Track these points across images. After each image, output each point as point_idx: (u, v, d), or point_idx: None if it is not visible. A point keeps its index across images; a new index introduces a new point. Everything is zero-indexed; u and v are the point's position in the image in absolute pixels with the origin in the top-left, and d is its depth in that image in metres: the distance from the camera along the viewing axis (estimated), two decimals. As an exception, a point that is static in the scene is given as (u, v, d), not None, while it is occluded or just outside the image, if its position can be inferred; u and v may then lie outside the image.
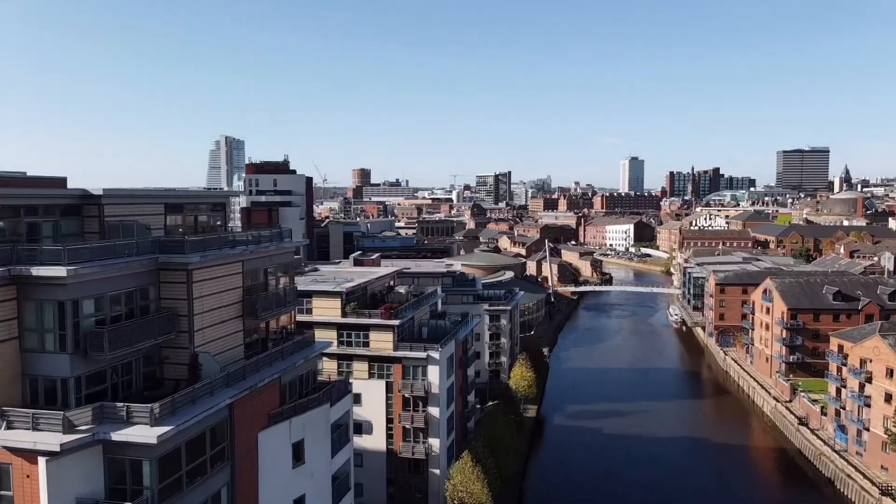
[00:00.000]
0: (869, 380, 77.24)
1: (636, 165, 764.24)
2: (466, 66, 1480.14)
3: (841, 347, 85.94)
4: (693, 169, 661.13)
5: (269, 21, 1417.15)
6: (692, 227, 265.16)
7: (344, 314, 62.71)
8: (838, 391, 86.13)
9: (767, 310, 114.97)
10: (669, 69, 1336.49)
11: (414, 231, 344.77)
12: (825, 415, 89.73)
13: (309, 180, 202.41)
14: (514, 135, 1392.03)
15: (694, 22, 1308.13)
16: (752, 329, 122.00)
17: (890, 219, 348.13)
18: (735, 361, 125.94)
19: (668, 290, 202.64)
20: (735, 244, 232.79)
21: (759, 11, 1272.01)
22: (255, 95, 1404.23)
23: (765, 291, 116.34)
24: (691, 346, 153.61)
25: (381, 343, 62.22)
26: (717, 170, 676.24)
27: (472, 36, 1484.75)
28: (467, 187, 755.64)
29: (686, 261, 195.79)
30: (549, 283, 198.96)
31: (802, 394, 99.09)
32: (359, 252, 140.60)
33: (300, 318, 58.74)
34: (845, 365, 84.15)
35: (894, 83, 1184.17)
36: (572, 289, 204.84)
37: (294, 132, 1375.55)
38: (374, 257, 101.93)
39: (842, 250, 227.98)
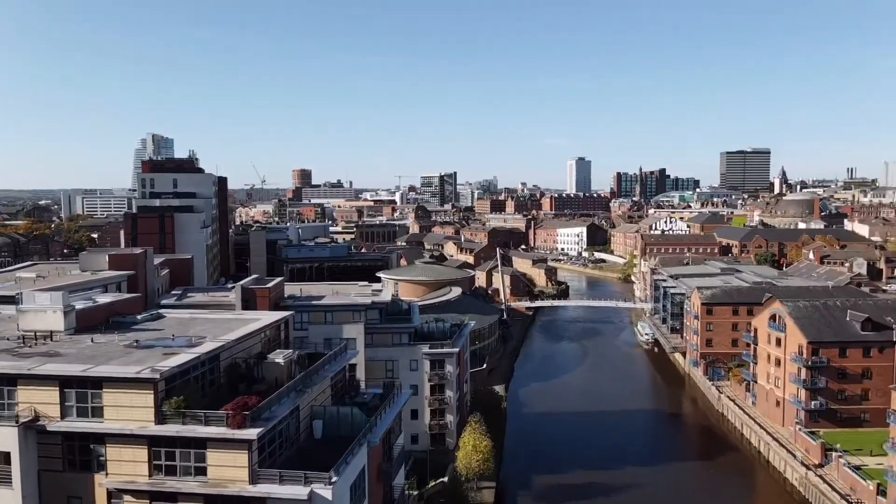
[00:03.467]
0: (973, 464, 53.99)
1: (583, 166, 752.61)
2: (411, 66, 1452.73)
3: (911, 407, 62.81)
4: (641, 169, 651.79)
5: (209, 17, 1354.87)
6: (653, 232, 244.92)
7: (161, 418, 34.50)
8: (906, 467, 63.03)
9: (778, 341, 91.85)
10: (613, 71, 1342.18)
11: (352, 236, 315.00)
12: (884, 495, 66.39)
13: (222, 181, 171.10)
14: (460, 135, 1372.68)
15: (635, 26, 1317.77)
16: (755, 363, 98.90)
17: (846, 220, 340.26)
18: (733, 401, 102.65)
19: (634, 305, 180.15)
20: (701, 250, 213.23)
21: (698, 17, 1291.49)
22: (191, 93, 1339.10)
23: (773, 318, 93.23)
24: (669, 374, 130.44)
25: (228, 471, 34.20)
26: (663, 170, 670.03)
27: (415, 36, 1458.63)
28: (412, 188, 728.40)
29: (654, 271, 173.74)
30: (502, 298, 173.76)
31: (839, 458, 75.87)
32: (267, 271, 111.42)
33: (79, 426, 34.54)
34: (920, 433, 61.10)
35: (826, 89, 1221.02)
36: (527, 304, 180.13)
37: (234, 133, 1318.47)
38: (272, 283, 73.78)
39: (811, 255, 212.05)
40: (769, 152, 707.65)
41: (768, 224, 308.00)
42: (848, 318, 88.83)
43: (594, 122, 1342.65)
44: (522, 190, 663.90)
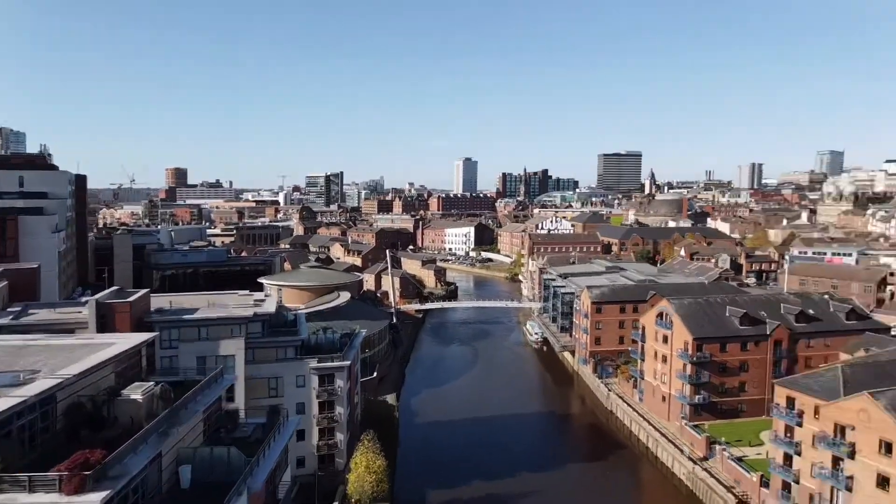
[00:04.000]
0: (852, 454, 56.21)
1: (469, 166, 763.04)
2: (293, 62, 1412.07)
3: (791, 401, 65.13)
4: (525, 170, 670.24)
5: (73, 8, 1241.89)
6: (540, 231, 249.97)
7: (-28, 483, 27.00)
8: (788, 459, 65.32)
9: (665, 338, 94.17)
10: (497, 74, 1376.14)
11: (232, 239, 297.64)
12: (766, 486, 68.69)
13: (81, 179, 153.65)
14: (347, 134, 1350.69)
15: (513, 30, 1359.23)
16: (642, 360, 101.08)
17: (709, 219, 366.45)
18: (621, 398, 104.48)
19: (523, 305, 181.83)
20: (585, 248, 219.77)
21: (576, 22, 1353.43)
22: (51, 86, 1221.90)
23: (661, 315, 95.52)
24: (559, 374, 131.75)
25: (65, 546, 27.35)
26: (545, 171, 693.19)
27: (298, 32, 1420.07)
28: (296, 188, 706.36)
29: (543, 270, 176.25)
30: (392, 301, 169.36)
31: (723, 451, 78.23)
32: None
33: None
34: (800, 425, 63.40)
35: (687, 96, 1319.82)
36: (417, 306, 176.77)
37: (101, 129, 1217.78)
38: (135, 297, 64.79)
39: (683, 252, 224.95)
40: (641, 155, 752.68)
41: (643, 223, 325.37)
42: (727, 314, 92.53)
43: (480, 123, 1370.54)
44: (410, 190, 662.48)
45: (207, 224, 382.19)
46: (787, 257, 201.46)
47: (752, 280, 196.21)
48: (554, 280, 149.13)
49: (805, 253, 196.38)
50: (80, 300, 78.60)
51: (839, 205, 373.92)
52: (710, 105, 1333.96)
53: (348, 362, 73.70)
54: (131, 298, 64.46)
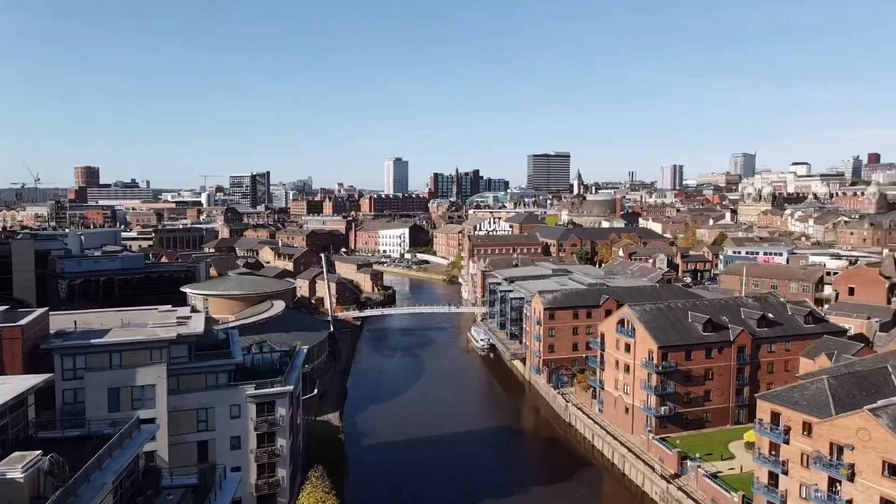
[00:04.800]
0: (851, 476, 52.07)
1: (400, 167, 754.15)
2: (216, 58, 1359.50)
3: (776, 416, 60.86)
4: (458, 170, 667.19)
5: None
6: (478, 233, 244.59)
7: None
8: (773, 478, 61.04)
9: (627, 346, 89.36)
10: (427, 74, 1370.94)
11: (150, 243, 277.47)
12: (750, 508, 64.28)
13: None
14: (273, 133, 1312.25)
15: (449, 30, 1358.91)
16: (602, 369, 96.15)
17: (640, 219, 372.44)
18: (580, 409, 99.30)
19: (467, 310, 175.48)
20: (525, 250, 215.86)
21: (508, 24, 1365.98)
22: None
23: (622, 322, 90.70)
24: (510, 383, 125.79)
25: None
26: (476, 171, 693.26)
27: (220, 26, 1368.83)
28: (220, 189, 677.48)
29: (487, 274, 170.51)
30: (328, 308, 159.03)
31: (698, 467, 73.69)
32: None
33: None
34: (787, 443, 59.18)
35: (611, 100, 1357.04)
36: (356, 313, 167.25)
37: (2, 123, 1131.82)
38: (29, 319, 53.48)
39: (621, 252, 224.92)
40: (569, 156, 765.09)
41: (577, 223, 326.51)
42: (690, 320, 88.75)
43: (410, 123, 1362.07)
44: (340, 190, 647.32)
45: (122, 227, 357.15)
46: (721, 257, 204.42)
47: (688, 279, 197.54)
48: (500, 284, 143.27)
49: (739, 252, 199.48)
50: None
51: (759, 205, 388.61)
52: (631, 109, 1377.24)
53: (291, 387, 64.43)
54: (23, 321, 53.24)
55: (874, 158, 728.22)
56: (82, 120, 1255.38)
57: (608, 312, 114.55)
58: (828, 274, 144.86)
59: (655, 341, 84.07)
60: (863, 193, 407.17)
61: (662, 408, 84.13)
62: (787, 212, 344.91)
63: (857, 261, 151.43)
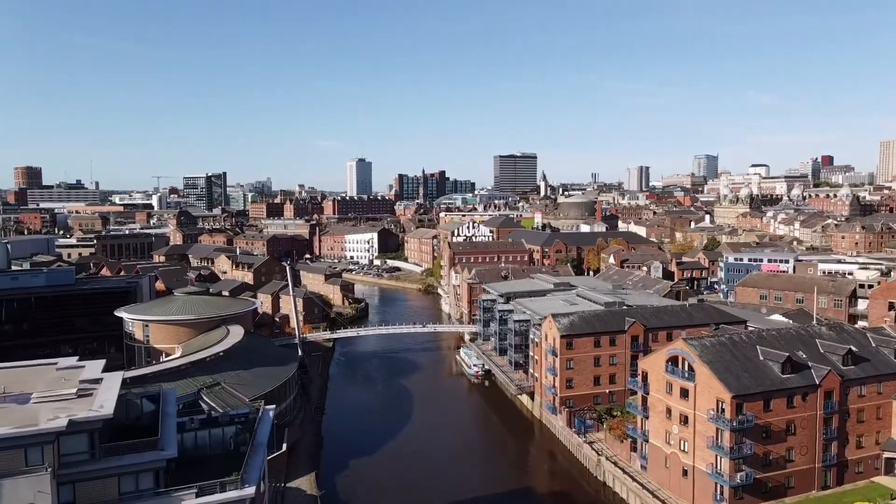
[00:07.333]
0: None
1: (363, 167, 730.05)
2: (170, 56, 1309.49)
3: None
4: (424, 172, 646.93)
5: None
6: (457, 238, 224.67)
7: None
8: None
9: (683, 392, 70.48)
10: (388, 74, 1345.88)
11: (92, 251, 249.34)
12: None
13: None
14: (229, 133, 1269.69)
15: (407, 32, 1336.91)
16: (646, 416, 77.17)
17: (620, 222, 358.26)
18: (616, 465, 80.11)
19: (455, 329, 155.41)
20: (511, 258, 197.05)
21: (467, 26, 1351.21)
22: None
23: (674, 360, 71.79)
24: (516, 422, 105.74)
25: None
26: (443, 173, 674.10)
27: (176, 24, 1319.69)
28: (174, 191, 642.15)
29: (473, 286, 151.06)
30: (295, 329, 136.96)
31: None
32: None
33: None
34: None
35: (573, 103, 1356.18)
36: (328, 335, 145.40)
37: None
38: None
39: (611, 260, 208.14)
40: (536, 157, 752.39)
41: (555, 227, 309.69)
42: (762, 358, 70.41)
43: (372, 123, 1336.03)
44: (301, 192, 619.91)
45: (62, 233, 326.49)
46: (721, 264, 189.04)
47: (684, 287, 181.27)
48: (496, 302, 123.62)
49: (741, 260, 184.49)
50: None
51: (736, 207, 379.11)
52: (595, 110, 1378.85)
53: (251, 490, 43.17)
54: None
55: (827, 161, 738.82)
56: (21, 116, 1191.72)
57: (634, 339, 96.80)
58: (860, 286, 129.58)
59: (727, 388, 65.30)
60: (835, 195, 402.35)
61: (738, 474, 65.42)
62: (769, 214, 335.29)
63: (889, 271, 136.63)
